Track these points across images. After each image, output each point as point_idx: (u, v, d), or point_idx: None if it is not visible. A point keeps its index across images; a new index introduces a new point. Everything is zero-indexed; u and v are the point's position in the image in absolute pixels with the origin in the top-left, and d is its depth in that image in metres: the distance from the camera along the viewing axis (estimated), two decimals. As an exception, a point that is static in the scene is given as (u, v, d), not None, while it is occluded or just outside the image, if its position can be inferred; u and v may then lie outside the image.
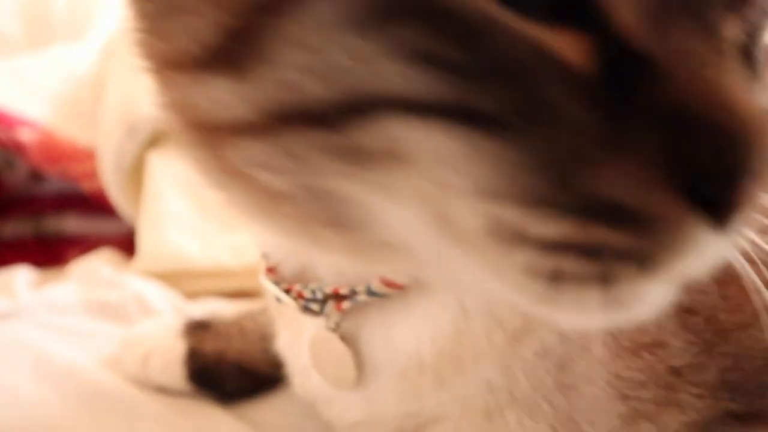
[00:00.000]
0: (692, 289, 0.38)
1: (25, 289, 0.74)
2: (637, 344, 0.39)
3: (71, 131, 0.94)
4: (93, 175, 0.90)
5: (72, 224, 0.94)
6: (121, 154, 0.87)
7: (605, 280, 0.24)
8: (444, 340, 0.41)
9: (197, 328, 0.67)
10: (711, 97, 0.23)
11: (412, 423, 0.45)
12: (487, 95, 0.23)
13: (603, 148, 0.23)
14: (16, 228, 0.96)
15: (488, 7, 0.23)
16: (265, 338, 0.61)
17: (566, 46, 0.24)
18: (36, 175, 0.96)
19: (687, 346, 0.39)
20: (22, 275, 0.76)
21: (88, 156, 0.91)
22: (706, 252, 0.25)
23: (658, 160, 0.23)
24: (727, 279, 0.38)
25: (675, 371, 0.39)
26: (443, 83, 0.23)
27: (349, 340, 0.44)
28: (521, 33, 0.23)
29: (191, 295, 0.77)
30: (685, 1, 0.25)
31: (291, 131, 0.26)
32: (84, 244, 0.89)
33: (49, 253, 0.91)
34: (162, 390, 0.64)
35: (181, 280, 0.78)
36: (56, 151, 0.92)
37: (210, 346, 0.65)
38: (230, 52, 0.26)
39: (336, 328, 0.44)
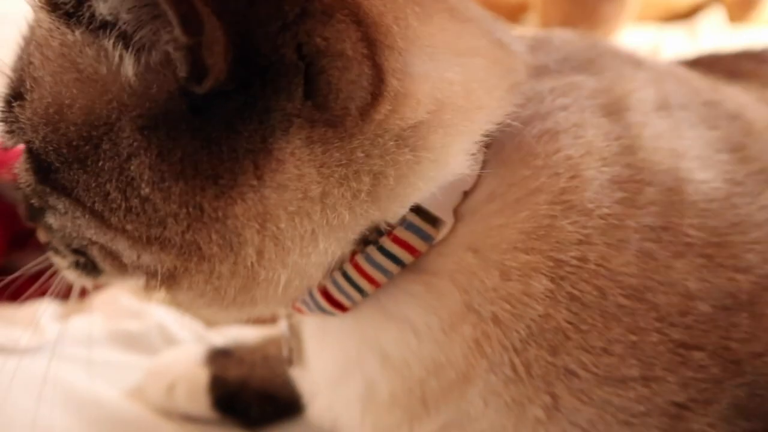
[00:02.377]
0: (692, 321, 0.38)
1: (50, 323, 0.75)
2: (620, 375, 0.39)
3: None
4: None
5: (91, 255, 0.95)
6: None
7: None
8: (388, 378, 0.44)
9: (220, 356, 0.68)
10: None
11: None
12: None
13: None
14: (34, 260, 0.97)
15: None
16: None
17: None
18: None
19: (688, 381, 0.39)
20: (46, 309, 0.77)
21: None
22: None
23: None
24: (736, 306, 0.38)
25: (680, 405, 0.39)
26: None
27: (295, 329, 0.53)
28: None
29: (212, 323, 0.78)
30: None
31: None
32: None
33: (69, 285, 0.92)
34: (187, 418, 0.65)
35: (201, 307, 0.79)
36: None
37: (234, 373, 0.66)
38: None
39: (289, 317, 0.53)
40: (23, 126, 0.40)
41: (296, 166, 0.37)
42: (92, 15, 0.37)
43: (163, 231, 0.38)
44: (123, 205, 0.38)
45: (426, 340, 0.42)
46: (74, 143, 0.38)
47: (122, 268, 0.42)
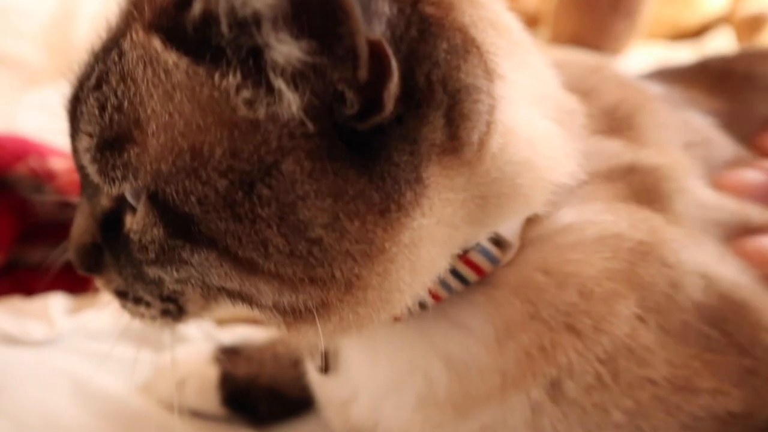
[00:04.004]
0: (757, 350, 0.43)
1: (62, 316, 0.76)
2: (696, 386, 0.43)
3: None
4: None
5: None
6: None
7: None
8: (450, 379, 0.46)
9: (229, 354, 0.69)
10: None
11: None
12: None
13: None
14: (44, 254, 0.97)
15: None
16: (297, 364, 0.63)
17: None
18: (65, 203, 0.98)
19: (746, 397, 0.43)
20: (58, 302, 0.78)
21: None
22: None
23: None
24: None
25: (732, 414, 0.43)
26: None
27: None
28: None
29: (222, 322, 0.78)
30: None
31: None
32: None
33: (78, 279, 0.93)
34: (196, 414, 0.65)
35: (211, 306, 0.80)
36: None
37: (243, 370, 0.67)
38: None
39: None
40: (138, 175, 0.38)
41: (438, 192, 0.39)
42: (255, 61, 0.36)
43: (331, 269, 0.38)
44: (286, 250, 0.37)
45: (482, 346, 0.44)
46: (221, 191, 0.37)
47: (207, 304, 0.45)
